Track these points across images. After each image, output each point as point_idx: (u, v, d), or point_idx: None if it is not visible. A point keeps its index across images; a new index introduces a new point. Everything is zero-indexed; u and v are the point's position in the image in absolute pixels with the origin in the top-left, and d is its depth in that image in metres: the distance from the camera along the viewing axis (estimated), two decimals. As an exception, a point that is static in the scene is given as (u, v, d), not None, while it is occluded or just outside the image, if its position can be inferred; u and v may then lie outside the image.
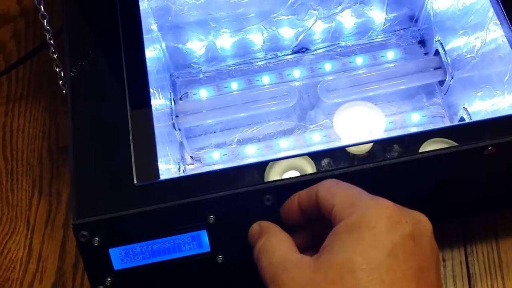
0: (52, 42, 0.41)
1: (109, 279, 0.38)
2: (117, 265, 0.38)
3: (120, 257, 0.38)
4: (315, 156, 0.38)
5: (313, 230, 0.38)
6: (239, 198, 0.38)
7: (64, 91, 0.41)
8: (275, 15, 0.55)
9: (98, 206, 0.38)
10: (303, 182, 0.38)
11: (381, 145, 0.39)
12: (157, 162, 0.39)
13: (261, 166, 0.38)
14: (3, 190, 0.56)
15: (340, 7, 0.56)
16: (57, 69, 0.42)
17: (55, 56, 0.42)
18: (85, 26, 0.44)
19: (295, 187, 0.37)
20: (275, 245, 0.35)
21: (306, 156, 0.39)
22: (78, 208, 0.38)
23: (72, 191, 0.38)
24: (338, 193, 0.34)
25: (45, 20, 0.42)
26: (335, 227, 0.33)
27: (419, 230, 0.33)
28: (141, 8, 0.46)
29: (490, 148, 0.38)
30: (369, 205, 0.33)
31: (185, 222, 0.38)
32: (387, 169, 0.38)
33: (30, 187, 0.57)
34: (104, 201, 0.38)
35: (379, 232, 0.32)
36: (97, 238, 0.37)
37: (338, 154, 0.39)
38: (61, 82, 0.42)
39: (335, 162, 0.38)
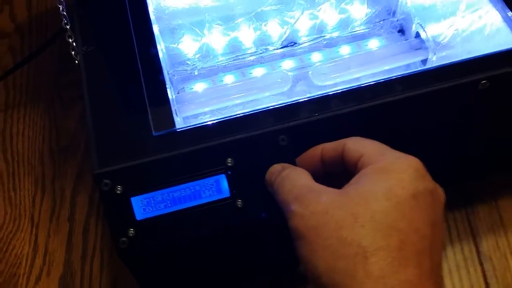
0: (65, 13, 0.43)
1: (131, 230, 0.38)
2: (139, 215, 0.38)
3: (142, 207, 0.38)
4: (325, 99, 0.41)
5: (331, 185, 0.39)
6: (255, 139, 0.39)
7: (76, 61, 0.43)
8: (264, 8, 0.59)
9: (119, 156, 0.39)
10: (315, 121, 0.40)
11: (383, 85, 0.41)
12: (172, 113, 0.40)
13: (274, 111, 0.40)
14: (5, 191, 0.56)
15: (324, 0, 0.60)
16: (70, 40, 0.44)
17: (67, 27, 0.44)
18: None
19: (307, 126, 0.39)
20: (298, 175, 0.37)
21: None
22: (100, 158, 0.38)
23: (92, 145, 0.39)
24: (368, 145, 0.36)
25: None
26: (362, 170, 0.35)
27: (437, 193, 0.35)
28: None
29: (484, 81, 0.41)
30: (399, 156, 0.35)
31: (204, 167, 0.39)
32: (389, 106, 0.41)
33: (32, 186, 0.57)
34: (124, 151, 0.39)
35: (406, 177, 0.33)
36: (119, 187, 0.38)
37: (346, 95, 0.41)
38: (73, 52, 0.44)
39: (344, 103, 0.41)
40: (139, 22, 0.45)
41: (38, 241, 0.54)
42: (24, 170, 0.58)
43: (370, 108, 0.40)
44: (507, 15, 0.45)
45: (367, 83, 0.42)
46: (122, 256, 0.39)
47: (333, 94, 0.41)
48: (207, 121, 0.40)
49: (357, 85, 0.42)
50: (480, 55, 0.43)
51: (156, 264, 0.41)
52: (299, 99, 0.41)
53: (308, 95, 0.41)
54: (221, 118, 0.40)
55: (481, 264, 0.51)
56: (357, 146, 0.36)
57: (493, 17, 0.47)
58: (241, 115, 0.40)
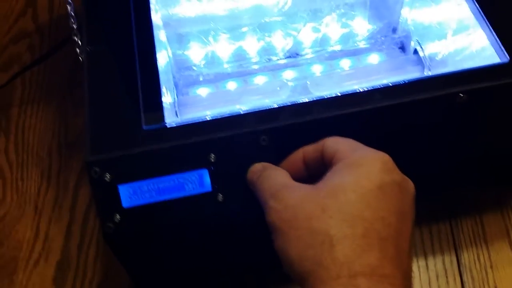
0: (73, 13, 0.47)
1: (117, 216, 0.41)
2: (125, 202, 0.41)
3: (129, 195, 0.41)
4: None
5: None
6: (238, 138, 0.42)
7: (80, 58, 0.46)
8: (267, 19, 0.62)
9: (110, 146, 0.41)
10: (295, 125, 0.42)
11: (364, 93, 0.43)
12: (163, 109, 0.43)
13: (258, 113, 0.43)
14: (13, 180, 0.60)
15: (326, 14, 0.63)
16: (76, 38, 0.48)
17: (74, 26, 0.47)
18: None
19: (288, 129, 0.42)
20: (276, 173, 0.39)
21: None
22: (92, 147, 0.41)
23: (86, 135, 0.42)
24: (342, 142, 0.39)
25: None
26: (335, 165, 0.37)
27: (406, 186, 0.37)
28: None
29: (462, 95, 0.43)
30: (369, 151, 0.37)
31: (188, 161, 0.41)
32: (368, 114, 0.43)
33: (39, 177, 0.60)
34: (115, 142, 0.42)
35: (373, 170, 0.36)
36: (107, 175, 0.41)
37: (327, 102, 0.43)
38: (78, 50, 0.47)
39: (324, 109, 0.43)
40: (141, 27, 0.48)
41: (39, 228, 0.57)
42: (33, 162, 0.61)
43: (348, 115, 0.42)
44: (493, 37, 0.47)
45: (349, 91, 0.44)
46: (107, 239, 0.42)
47: (315, 100, 0.43)
48: (194, 119, 0.43)
49: (340, 93, 0.44)
50: (461, 70, 0.45)
51: (140, 250, 0.44)
52: (282, 103, 0.43)
53: (291, 99, 0.43)
54: (207, 117, 0.43)
55: (461, 275, 0.52)
56: (332, 143, 0.39)
57: (480, 37, 0.49)
58: (227, 115, 0.43)
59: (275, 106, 0.43)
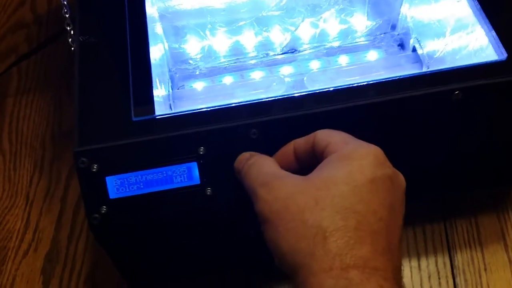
0: (65, 3, 0.46)
1: (104, 207, 0.41)
2: (112, 194, 0.41)
3: (116, 186, 0.41)
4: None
5: None
6: (228, 131, 0.41)
7: (72, 48, 0.46)
8: (265, 13, 0.61)
9: (98, 137, 0.41)
10: (286, 119, 0.41)
11: (357, 89, 0.43)
12: (153, 100, 0.43)
13: (249, 106, 0.42)
14: (5, 169, 0.60)
15: (324, 9, 0.62)
16: (68, 28, 0.47)
17: (67, 16, 0.47)
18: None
19: (278, 122, 0.41)
20: (264, 162, 0.39)
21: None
22: (80, 137, 0.41)
23: (75, 125, 0.42)
24: (335, 135, 0.38)
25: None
26: (327, 158, 0.37)
27: (397, 179, 0.37)
28: (148, 11, 0.51)
29: (457, 92, 0.42)
30: (361, 145, 0.37)
31: (177, 153, 0.41)
32: (360, 110, 0.42)
33: (32, 166, 0.60)
34: (104, 133, 0.41)
35: (365, 164, 0.35)
36: (95, 165, 0.40)
37: (319, 96, 0.43)
38: (70, 40, 0.47)
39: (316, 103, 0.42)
40: (135, 19, 0.48)
41: (30, 218, 0.56)
42: (26, 152, 0.61)
43: (341, 110, 0.42)
44: (492, 35, 0.46)
45: (342, 86, 0.43)
46: (93, 231, 0.41)
47: (307, 94, 0.43)
48: (184, 111, 0.42)
49: (333, 88, 0.43)
50: (457, 67, 0.44)
51: (126, 242, 0.43)
52: (274, 97, 0.43)
53: (284, 93, 0.43)
54: (198, 109, 0.42)
55: (454, 277, 0.51)
56: (324, 136, 0.38)
57: (480, 36, 0.48)
58: (217, 107, 0.42)
59: (266, 99, 0.43)
